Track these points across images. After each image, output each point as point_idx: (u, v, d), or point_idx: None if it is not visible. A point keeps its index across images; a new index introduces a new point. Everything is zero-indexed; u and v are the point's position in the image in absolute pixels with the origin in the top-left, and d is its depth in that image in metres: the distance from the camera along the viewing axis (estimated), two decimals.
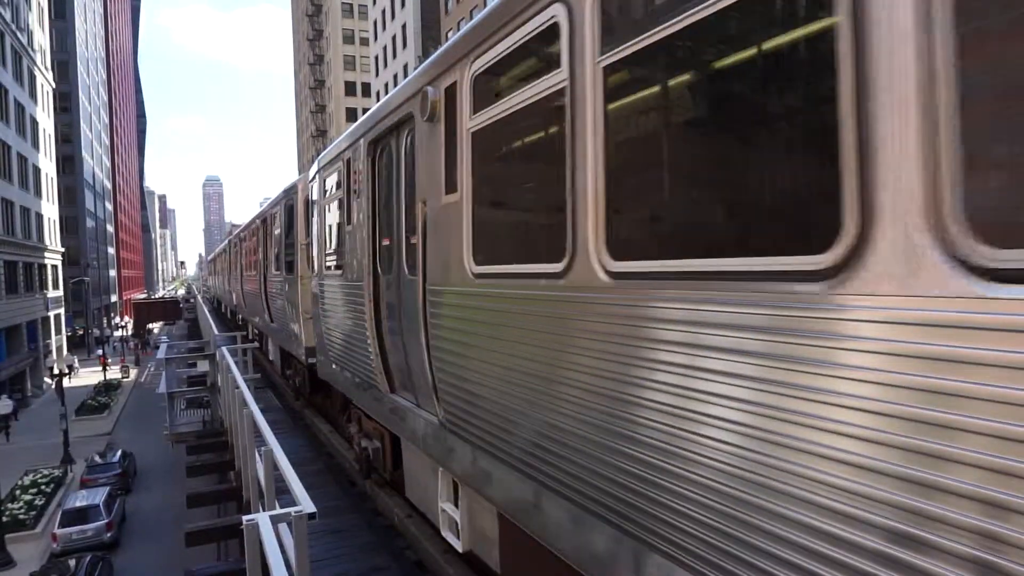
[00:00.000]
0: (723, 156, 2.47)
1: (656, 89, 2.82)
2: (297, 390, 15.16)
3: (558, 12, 3.18)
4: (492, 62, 3.87)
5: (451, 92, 4.36)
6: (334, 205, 7.77)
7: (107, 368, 58.32)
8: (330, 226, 8.06)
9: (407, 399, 5.71)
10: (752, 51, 2.28)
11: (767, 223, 2.24)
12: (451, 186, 4.31)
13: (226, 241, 32.40)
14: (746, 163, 2.37)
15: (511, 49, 3.64)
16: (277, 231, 14.09)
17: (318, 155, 11.45)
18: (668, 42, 2.55)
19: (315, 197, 9.02)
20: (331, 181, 7.94)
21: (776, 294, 2.04)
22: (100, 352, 60.44)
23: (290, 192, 12.77)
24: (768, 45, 2.21)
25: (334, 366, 8.15)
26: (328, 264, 8.07)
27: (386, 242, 5.99)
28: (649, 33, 2.61)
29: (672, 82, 2.73)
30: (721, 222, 2.50)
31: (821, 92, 1.95)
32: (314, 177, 9.09)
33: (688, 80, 2.65)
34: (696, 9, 2.35)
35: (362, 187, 6.44)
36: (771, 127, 2.27)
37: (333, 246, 7.87)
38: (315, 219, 9.05)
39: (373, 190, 6.26)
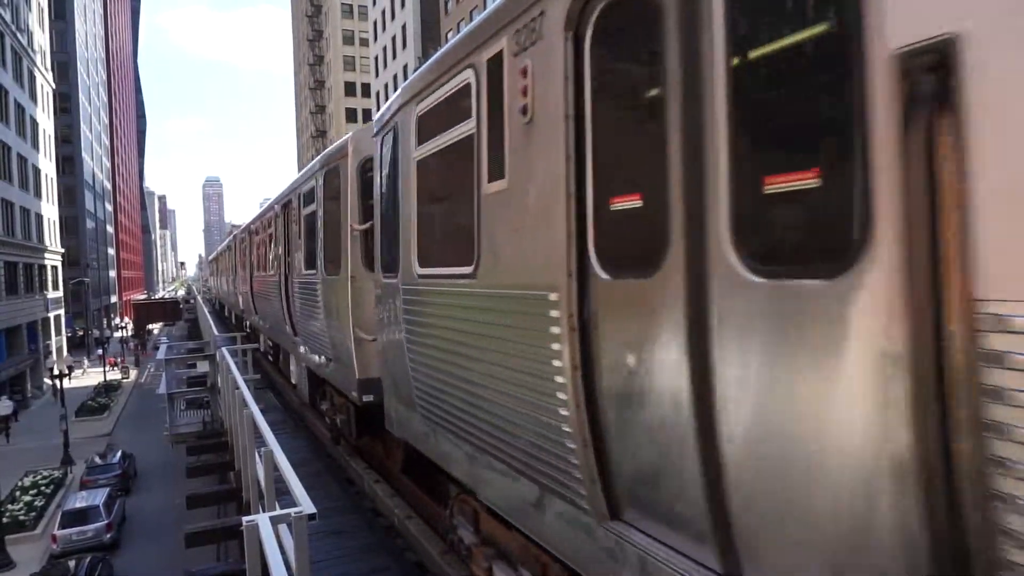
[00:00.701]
0: None
1: None
2: (338, 431, 10.71)
3: None
4: None
5: None
6: (444, 155, 4.58)
7: (114, 367, 58.71)
8: (426, 194, 4.98)
9: (673, 545, 2.74)
10: None
11: None
12: None
13: (231, 236, 28.58)
14: None
15: None
16: (310, 215, 10.11)
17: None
18: None
19: (393, 151, 5.59)
20: (435, 117, 4.68)
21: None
22: (100, 352, 60.52)
23: (333, 156, 8.79)
24: None
25: (430, 425, 5.03)
26: (427, 258, 4.90)
27: (628, 202, 2.96)
28: None
29: None
30: None
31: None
32: (388, 123, 5.75)
33: None
34: None
35: (545, 102, 3.25)
36: None
37: (437, 228, 4.93)
38: (391, 187, 5.72)
39: (577, 101, 3.10)
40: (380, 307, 6.09)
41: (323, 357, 9.72)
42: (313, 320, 9.97)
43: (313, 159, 10.72)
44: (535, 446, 3.51)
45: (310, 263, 10.02)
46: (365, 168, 7.91)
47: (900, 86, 1.75)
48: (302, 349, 11.35)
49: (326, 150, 9.65)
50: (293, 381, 14.40)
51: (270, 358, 19.95)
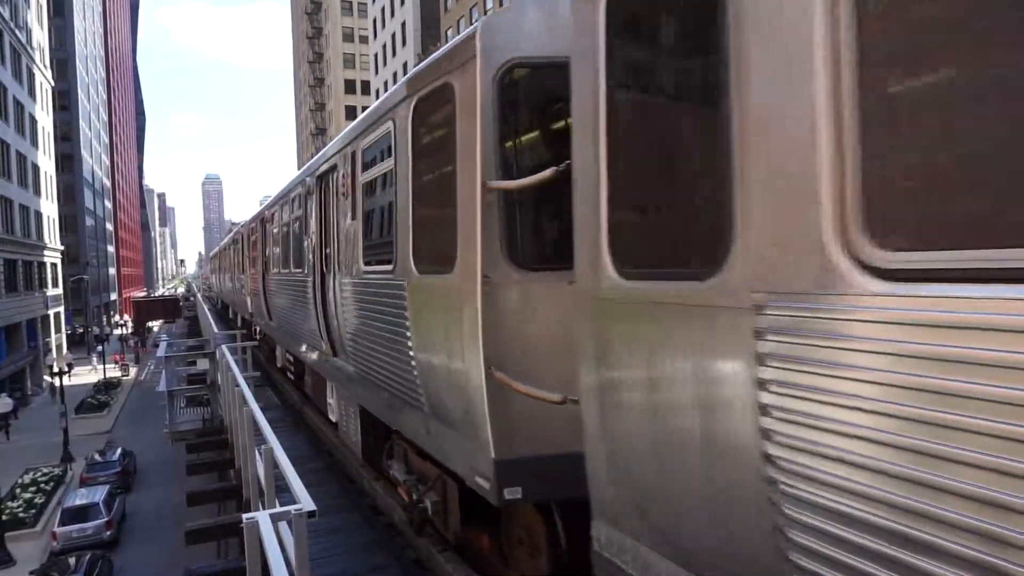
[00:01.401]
0: None
1: None
2: (423, 517, 6.38)
3: None
4: None
5: None
6: None
7: (118, 364, 59.14)
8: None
9: None
10: None
11: None
12: None
13: (239, 226, 24.12)
14: None
15: None
16: (377, 180, 6.60)
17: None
18: None
19: None
20: None
21: None
22: (100, 350, 60.67)
23: (440, 69, 4.96)
24: None
25: None
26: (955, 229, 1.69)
27: None
28: None
29: None
30: None
31: None
32: None
33: None
34: None
35: None
36: None
37: None
38: (667, 78, 2.89)
39: None
40: (618, 346, 3.07)
41: (404, 402, 6.13)
42: (384, 344, 6.36)
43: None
44: None
45: (379, 254, 6.52)
46: (509, 81, 4.44)
47: None
48: (355, 381, 7.95)
49: (421, 63, 5.58)
50: (332, 419, 10.50)
51: (290, 375, 15.91)
